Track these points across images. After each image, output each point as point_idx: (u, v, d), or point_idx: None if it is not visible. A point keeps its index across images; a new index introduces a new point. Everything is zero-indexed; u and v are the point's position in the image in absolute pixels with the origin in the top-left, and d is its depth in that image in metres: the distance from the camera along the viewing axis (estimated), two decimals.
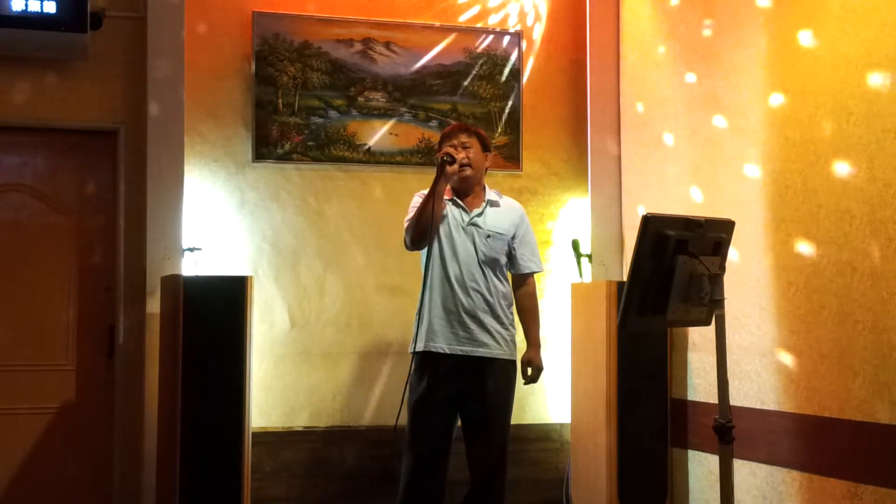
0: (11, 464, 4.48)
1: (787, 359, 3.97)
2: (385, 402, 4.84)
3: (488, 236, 3.91)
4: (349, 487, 4.79)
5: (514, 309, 4.00)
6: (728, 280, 3.05)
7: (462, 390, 3.86)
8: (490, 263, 3.91)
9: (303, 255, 4.88)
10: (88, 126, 4.59)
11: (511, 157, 5.17)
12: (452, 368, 3.84)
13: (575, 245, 5.08)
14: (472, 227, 3.91)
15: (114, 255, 4.59)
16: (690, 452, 4.62)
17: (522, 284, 4.05)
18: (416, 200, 3.95)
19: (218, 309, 4.06)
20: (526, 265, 4.02)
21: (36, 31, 4.29)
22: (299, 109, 4.89)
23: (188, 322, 4.00)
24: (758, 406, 4.10)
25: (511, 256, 4.00)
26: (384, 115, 5.01)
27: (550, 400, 5.14)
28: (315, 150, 4.90)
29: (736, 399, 4.00)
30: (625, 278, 4.67)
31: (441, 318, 3.86)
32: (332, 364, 4.88)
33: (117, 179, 4.60)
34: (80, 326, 4.59)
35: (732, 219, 3.13)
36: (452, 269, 3.87)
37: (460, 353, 3.84)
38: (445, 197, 3.93)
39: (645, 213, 2.89)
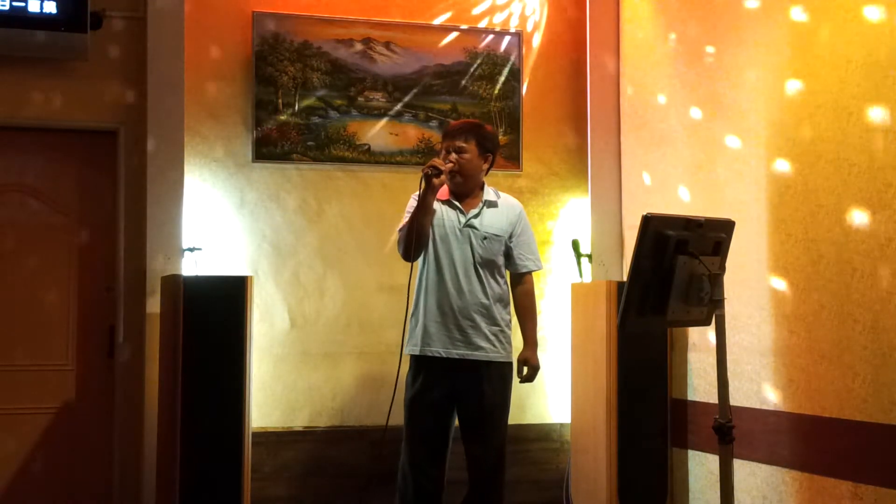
0: (11, 464, 4.48)
1: (787, 359, 3.97)
2: (384, 401, 4.79)
3: (485, 238, 3.90)
4: (349, 487, 4.79)
5: (510, 309, 4.00)
6: (728, 280, 3.05)
7: (458, 390, 3.86)
8: (487, 265, 3.90)
9: (303, 255, 4.88)
10: (88, 126, 4.59)
11: (511, 157, 5.17)
12: (448, 370, 3.84)
13: (575, 245, 5.08)
14: (469, 229, 3.90)
15: (114, 255, 4.59)
16: (690, 452, 4.62)
17: (520, 283, 4.04)
18: (412, 203, 3.93)
19: (218, 309, 4.06)
20: (524, 264, 4.01)
21: (36, 31, 4.29)
22: (299, 109, 4.89)
23: (188, 322, 4.00)
24: (758, 406, 4.10)
25: (509, 255, 3.99)
26: (384, 115, 5.01)
27: (550, 400, 5.14)
28: (315, 150, 4.91)
29: (736, 399, 4.00)
30: (625, 278, 4.67)
31: (437, 322, 3.85)
32: (332, 364, 4.88)
33: (117, 179, 4.59)
34: (80, 326, 4.59)
35: (732, 219, 3.14)
36: (448, 272, 3.86)
37: (457, 356, 3.84)
38: (442, 199, 3.92)
39: (645, 213, 2.89)
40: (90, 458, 4.56)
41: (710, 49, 4.48)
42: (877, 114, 3.55)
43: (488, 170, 4.03)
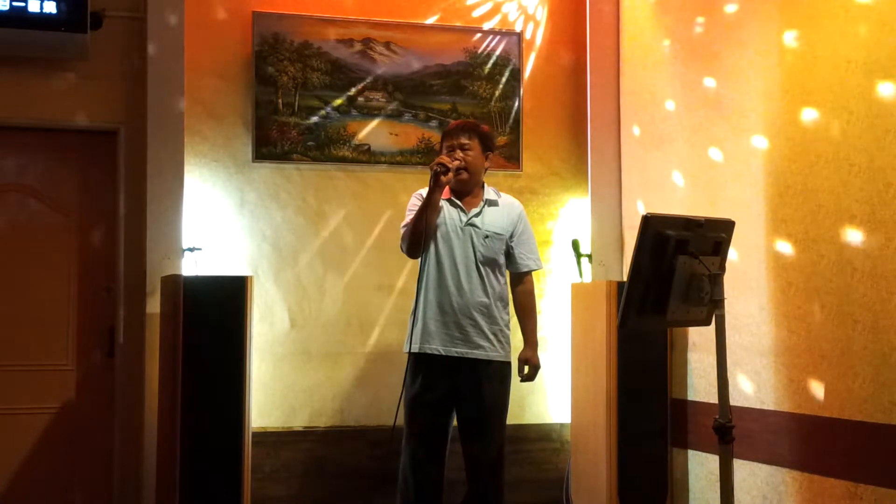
0: (11, 464, 4.48)
1: (787, 359, 3.97)
2: (384, 402, 4.83)
3: (486, 237, 3.91)
4: (349, 487, 4.79)
5: (509, 309, 4.00)
6: (728, 280, 3.05)
7: (457, 389, 3.86)
8: (488, 264, 3.91)
9: (303, 255, 4.88)
10: (88, 126, 4.59)
11: (511, 157, 5.17)
12: (447, 369, 3.85)
13: (575, 245, 5.08)
14: (470, 228, 3.91)
15: (114, 255, 4.59)
16: (690, 452, 4.62)
17: (520, 283, 4.05)
18: (414, 202, 3.95)
19: (218, 309, 4.06)
20: (525, 263, 4.03)
21: (36, 31, 4.28)
22: (299, 109, 4.89)
23: (188, 322, 4.00)
24: (758, 406, 4.10)
25: (509, 255, 4.00)
26: (384, 115, 5.01)
27: (550, 400, 5.14)
28: (315, 150, 4.90)
29: (736, 399, 4.00)
30: (625, 278, 4.67)
31: (436, 320, 3.86)
32: (332, 364, 4.88)
33: (117, 179, 4.59)
34: (80, 326, 4.59)
35: (732, 219, 3.14)
36: (449, 270, 3.87)
37: (456, 354, 3.84)
38: (443, 197, 3.93)
39: (645, 213, 2.89)
40: (90, 458, 4.56)
41: (709, 49, 4.48)
42: (876, 114, 3.55)
43: (486, 169, 4.05)
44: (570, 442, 4.93)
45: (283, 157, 4.86)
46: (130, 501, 4.47)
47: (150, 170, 4.52)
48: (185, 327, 4.00)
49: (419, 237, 3.82)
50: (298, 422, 4.82)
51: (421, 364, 3.87)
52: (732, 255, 3.15)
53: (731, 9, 4.35)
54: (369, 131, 4.98)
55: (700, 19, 4.56)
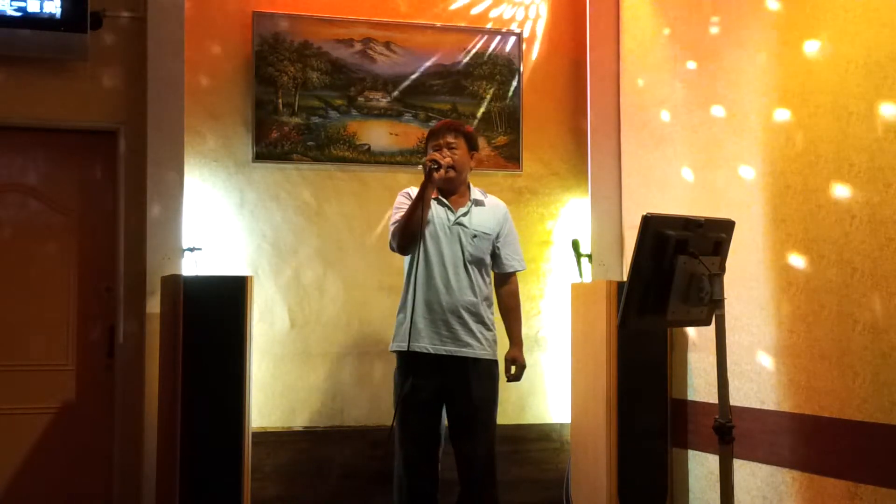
0: (11, 464, 4.48)
1: (787, 359, 3.97)
2: (384, 401, 4.83)
3: (474, 236, 3.92)
4: (348, 487, 4.79)
5: (494, 309, 4.01)
6: (728, 280, 3.05)
7: (447, 388, 3.86)
8: (476, 263, 3.92)
9: (303, 255, 4.88)
10: (88, 126, 4.59)
11: (511, 157, 5.17)
12: (436, 368, 3.85)
13: (575, 245, 5.09)
14: (458, 227, 3.92)
15: (114, 255, 4.59)
16: (690, 452, 4.62)
17: (505, 283, 4.07)
18: (401, 200, 3.96)
19: (218, 309, 4.06)
20: (510, 264, 4.04)
21: (36, 31, 4.29)
22: (299, 109, 4.89)
23: (188, 322, 4.00)
24: (758, 406, 4.10)
25: (495, 255, 4.02)
26: (384, 115, 5.01)
27: (550, 400, 5.14)
28: (315, 150, 4.91)
29: (736, 399, 4.00)
30: (625, 278, 4.67)
31: (425, 318, 3.86)
32: (332, 364, 4.89)
33: (117, 179, 4.60)
34: (80, 326, 4.59)
35: (732, 219, 3.14)
36: (438, 270, 3.87)
37: (444, 353, 3.85)
38: (431, 196, 3.93)
39: (645, 214, 2.89)
40: (90, 458, 4.56)
41: (709, 49, 4.48)
42: (877, 114, 3.55)
43: (472, 169, 4.06)
44: (570, 442, 4.93)
45: (283, 157, 4.86)
46: (130, 501, 4.47)
47: (150, 170, 4.52)
48: (185, 327, 4.00)
49: (415, 232, 3.81)
50: (298, 422, 4.83)
51: (410, 363, 3.87)
52: (733, 255, 3.14)
53: (730, 9, 4.35)
54: (369, 131, 4.98)
55: (700, 19, 4.56)
